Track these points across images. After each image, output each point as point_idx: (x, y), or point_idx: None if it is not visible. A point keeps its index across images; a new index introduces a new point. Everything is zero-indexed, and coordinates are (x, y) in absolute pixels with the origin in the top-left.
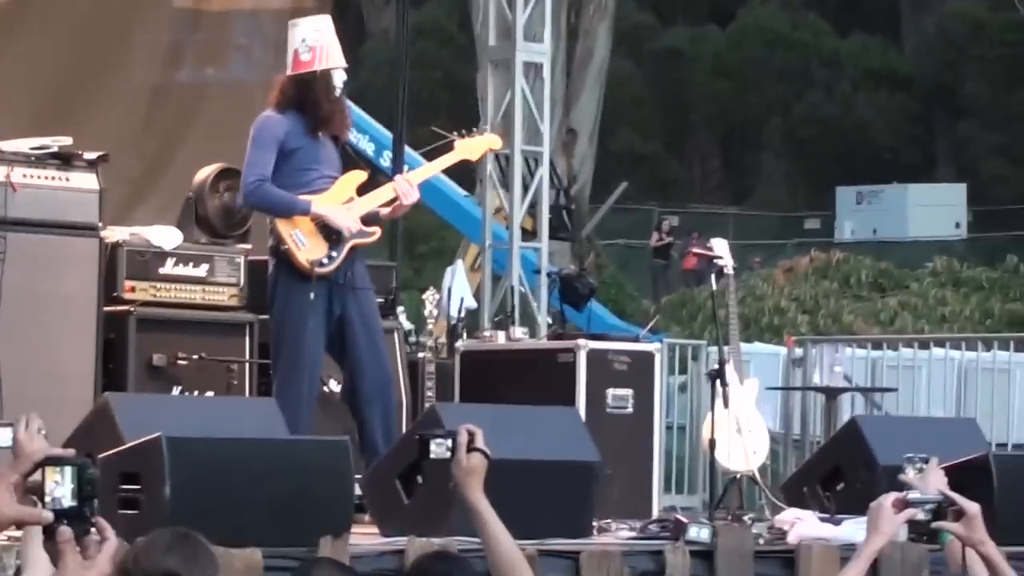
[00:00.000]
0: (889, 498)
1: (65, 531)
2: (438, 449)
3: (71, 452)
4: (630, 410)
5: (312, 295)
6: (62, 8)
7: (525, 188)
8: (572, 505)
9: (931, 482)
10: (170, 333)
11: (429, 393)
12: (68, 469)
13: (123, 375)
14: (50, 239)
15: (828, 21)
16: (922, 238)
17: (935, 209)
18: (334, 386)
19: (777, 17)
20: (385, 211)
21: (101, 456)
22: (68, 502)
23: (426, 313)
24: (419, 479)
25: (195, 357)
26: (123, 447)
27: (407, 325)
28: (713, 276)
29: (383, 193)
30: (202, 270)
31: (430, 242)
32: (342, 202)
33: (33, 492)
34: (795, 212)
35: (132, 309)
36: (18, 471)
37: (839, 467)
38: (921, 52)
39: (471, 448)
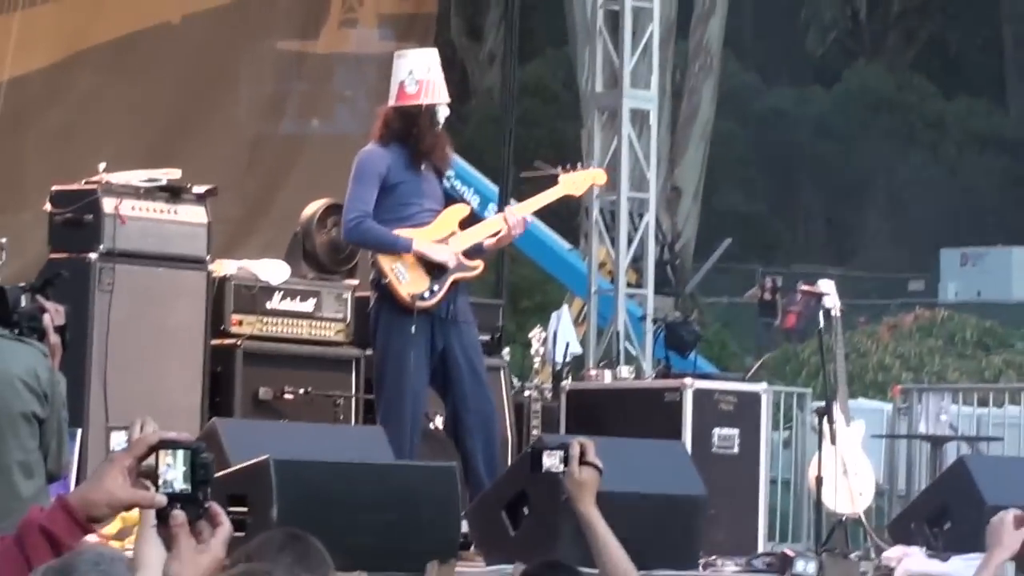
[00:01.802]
0: (1010, 513)
1: (179, 515)
2: (550, 461)
3: (185, 436)
4: (736, 450)
5: (414, 329)
6: (170, 46)
7: (630, 240)
8: (679, 538)
9: None
10: (277, 367)
11: (535, 432)
12: (181, 453)
13: (230, 408)
14: (158, 271)
15: (933, 83)
16: None
17: None
18: (438, 422)
19: (882, 78)
20: (490, 242)
21: None
22: (181, 485)
23: (532, 352)
24: (525, 510)
25: (301, 391)
26: (232, 469)
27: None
28: (821, 315)
29: (487, 227)
30: (309, 305)
31: (534, 297)
32: (444, 236)
33: (147, 476)
34: (899, 273)
35: (239, 343)
36: (132, 454)
37: (946, 506)
38: None
39: (583, 461)
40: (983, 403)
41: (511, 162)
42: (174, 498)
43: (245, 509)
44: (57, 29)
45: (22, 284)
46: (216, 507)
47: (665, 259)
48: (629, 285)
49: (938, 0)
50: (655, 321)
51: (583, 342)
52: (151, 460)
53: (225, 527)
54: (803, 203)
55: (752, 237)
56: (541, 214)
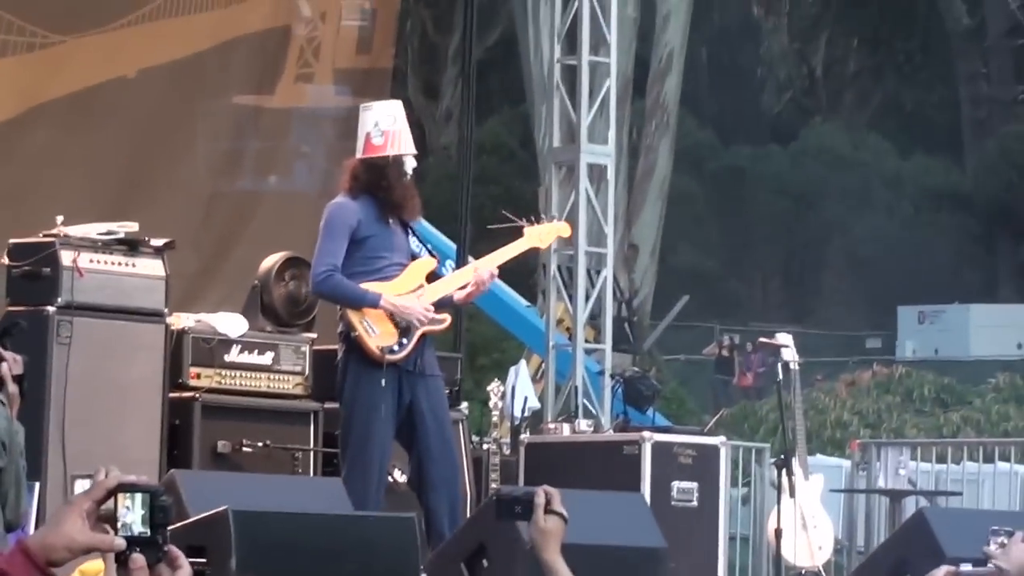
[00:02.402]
0: (942, 571)
1: (138, 558)
2: (516, 509)
3: (144, 479)
4: (695, 504)
5: (383, 382)
6: (126, 100)
7: (587, 296)
8: None
9: (1013, 555)
10: (235, 420)
11: (493, 485)
12: (140, 496)
13: (188, 461)
14: (116, 324)
15: (890, 141)
16: (984, 357)
17: (997, 329)
18: (399, 476)
19: (838, 137)
20: (460, 295)
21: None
22: (139, 529)
23: (491, 405)
24: (484, 562)
25: (260, 444)
26: (190, 520)
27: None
28: (779, 367)
29: (455, 279)
30: (267, 358)
31: (491, 354)
32: (412, 289)
33: (106, 520)
34: (856, 331)
35: (197, 396)
36: (91, 498)
37: (905, 559)
38: (982, 173)
39: (548, 510)
40: (941, 459)
41: (468, 218)
42: (133, 541)
43: (204, 560)
44: (13, 84)
45: None
46: (175, 550)
47: (623, 316)
48: (587, 341)
49: (894, 60)
50: (613, 376)
51: (541, 397)
52: (110, 504)
53: (185, 570)
54: (760, 261)
55: (709, 295)
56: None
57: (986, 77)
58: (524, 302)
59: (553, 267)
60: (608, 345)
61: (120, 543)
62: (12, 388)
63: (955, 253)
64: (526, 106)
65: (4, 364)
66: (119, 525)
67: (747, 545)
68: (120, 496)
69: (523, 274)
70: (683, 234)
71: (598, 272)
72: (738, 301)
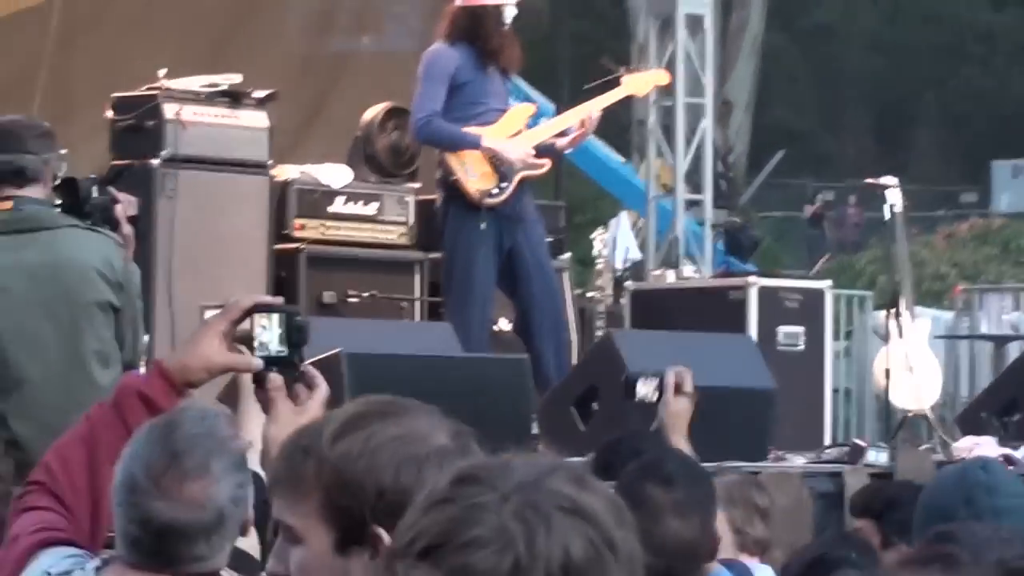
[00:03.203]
0: None
1: (275, 378)
2: (644, 390)
3: (280, 299)
4: (802, 347)
5: (483, 226)
6: None
7: (687, 146)
8: (749, 431)
9: None
10: (340, 271)
11: (599, 333)
12: (276, 316)
13: None
14: (220, 177)
15: None
16: None
17: None
18: (504, 324)
19: None
20: (562, 142)
21: None
22: (276, 348)
23: (595, 253)
24: (594, 406)
25: (365, 295)
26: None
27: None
28: (885, 208)
29: (555, 125)
30: (371, 209)
31: (587, 212)
32: (511, 135)
33: (242, 341)
34: (951, 186)
35: (302, 247)
36: (227, 318)
37: (1016, 397)
38: None
39: (679, 392)
40: None
41: (567, 66)
42: (270, 361)
43: None
44: None
45: (93, 176)
46: (312, 370)
47: (719, 172)
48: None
49: None
50: (714, 227)
51: (642, 248)
52: (246, 324)
53: (322, 388)
54: (853, 118)
55: (803, 152)
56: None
57: None
58: (620, 158)
59: (652, 120)
60: (708, 195)
61: (257, 363)
62: (127, 229)
63: None
64: None
65: (119, 206)
66: (256, 345)
67: (849, 398)
68: (256, 316)
69: (617, 131)
70: (776, 91)
71: (693, 130)
72: (831, 157)
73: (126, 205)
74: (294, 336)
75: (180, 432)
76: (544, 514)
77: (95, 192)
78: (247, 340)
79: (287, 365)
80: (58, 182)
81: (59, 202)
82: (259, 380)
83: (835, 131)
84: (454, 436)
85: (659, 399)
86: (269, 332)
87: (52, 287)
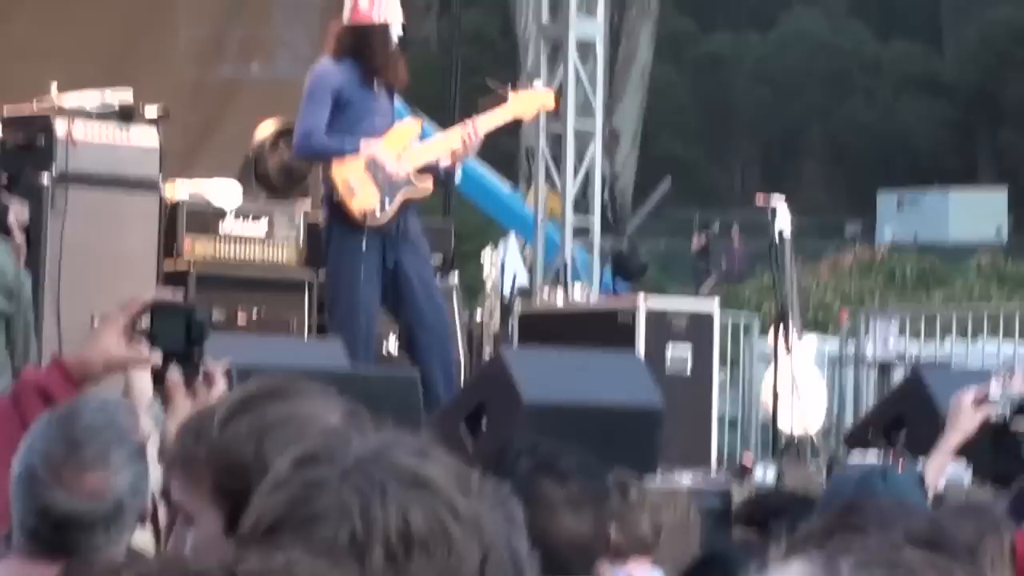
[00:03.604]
0: (969, 394)
1: (174, 373)
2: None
3: (179, 297)
4: (688, 372)
5: (364, 245)
6: None
7: (575, 172)
8: (637, 448)
9: (1016, 384)
10: (230, 291)
11: (487, 356)
12: (176, 312)
13: None
14: (111, 195)
15: (869, 27)
16: (963, 242)
17: (976, 214)
18: (391, 346)
19: (818, 23)
20: (445, 161)
21: None
22: (176, 344)
23: (484, 274)
24: (484, 423)
25: (254, 314)
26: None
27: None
28: (773, 226)
29: (440, 143)
30: (261, 227)
31: (476, 240)
32: (395, 152)
33: (143, 337)
34: (836, 216)
35: (191, 266)
36: (127, 313)
37: (901, 417)
38: (962, 58)
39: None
40: (929, 335)
41: (457, 94)
42: (169, 356)
43: None
44: None
45: None
46: (212, 366)
47: (605, 201)
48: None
49: None
50: (602, 250)
51: (530, 273)
52: (145, 322)
53: (220, 386)
54: (740, 148)
55: (690, 182)
56: (482, 155)
57: None
58: (508, 187)
59: (542, 144)
60: (596, 221)
61: (156, 358)
62: (19, 237)
63: (934, 139)
64: None
65: (11, 213)
66: (154, 341)
67: (735, 426)
68: (156, 312)
69: (506, 160)
70: (663, 123)
71: (581, 157)
72: (718, 188)
73: (18, 212)
74: (193, 332)
75: (79, 422)
76: (381, 486)
77: None
78: (147, 336)
79: (186, 361)
80: None
81: None
82: (158, 376)
83: (721, 162)
84: (346, 416)
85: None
86: (169, 328)
87: None
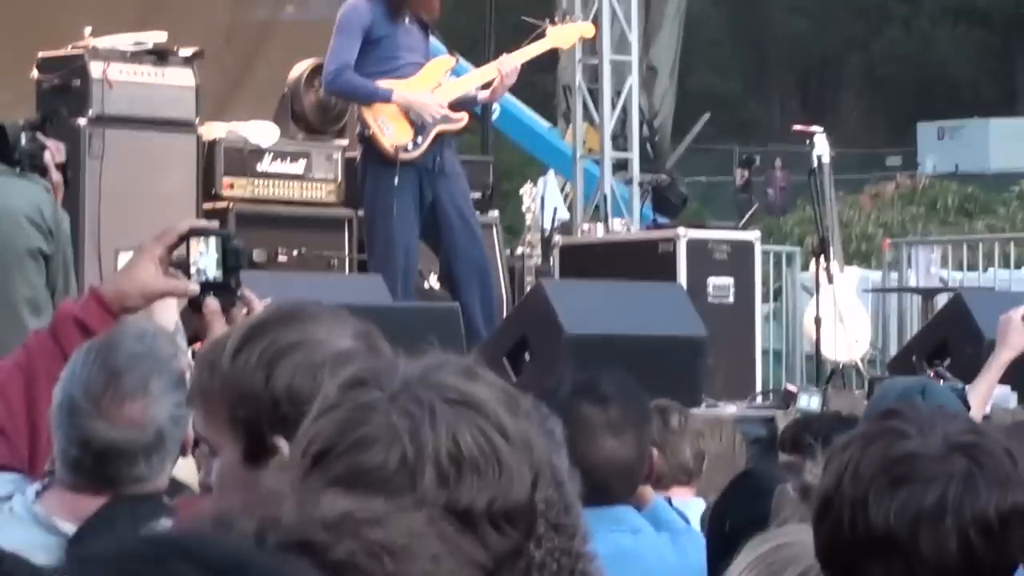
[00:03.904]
0: (1019, 311)
1: (212, 302)
2: None
3: (215, 224)
4: (731, 300)
5: (397, 180)
6: None
7: (613, 106)
8: (681, 379)
9: None
10: (269, 229)
11: (529, 288)
12: (212, 240)
13: None
14: (148, 136)
15: None
16: (1005, 170)
17: (1017, 142)
18: (432, 280)
19: None
20: (483, 94)
21: None
22: (213, 273)
23: (523, 208)
24: (526, 356)
25: (295, 252)
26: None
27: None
28: (813, 157)
29: (475, 77)
30: (299, 166)
31: (514, 179)
32: (429, 88)
33: (178, 266)
34: (876, 149)
35: (231, 206)
36: (163, 243)
37: (945, 343)
38: None
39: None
40: (972, 266)
41: (492, 32)
42: (207, 286)
43: None
44: None
45: (21, 121)
46: (249, 293)
47: (644, 136)
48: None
49: None
50: (641, 184)
51: (570, 209)
52: (182, 250)
53: (259, 312)
54: (778, 82)
55: (728, 117)
56: (519, 94)
57: None
58: (546, 124)
59: (578, 78)
60: (635, 155)
61: (194, 287)
62: (56, 176)
63: (973, 67)
64: None
65: (47, 152)
66: (193, 271)
67: (780, 358)
68: (192, 241)
69: (543, 98)
70: (700, 58)
71: (619, 92)
72: (757, 122)
73: (55, 151)
74: (230, 260)
75: (119, 352)
76: (429, 407)
77: (24, 139)
78: (184, 265)
79: (224, 289)
80: None
81: None
82: (196, 305)
83: (760, 96)
84: (358, 337)
85: None
86: (206, 257)
87: None
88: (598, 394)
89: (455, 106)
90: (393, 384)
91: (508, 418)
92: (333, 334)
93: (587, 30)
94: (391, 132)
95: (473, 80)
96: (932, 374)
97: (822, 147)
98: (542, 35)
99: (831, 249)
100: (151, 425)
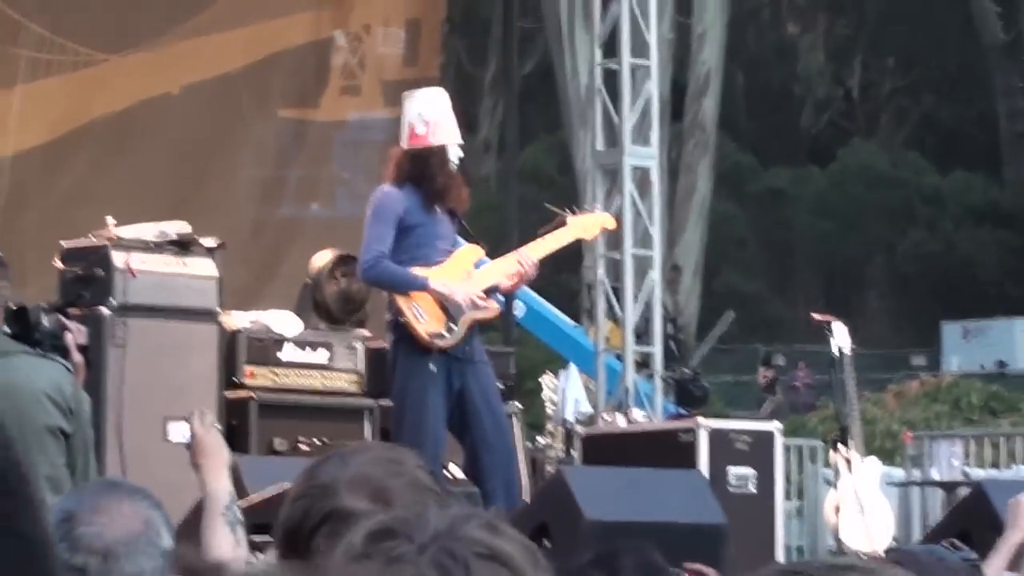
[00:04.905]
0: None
1: None
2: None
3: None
4: (752, 490)
5: (433, 368)
6: (172, 117)
7: (634, 299)
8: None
9: None
10: (291, 419)
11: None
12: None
13: None
14: (170, 325)
15: (928, 159)
16: None
17: None
18: (455, 470)
19: (877, 156)
20: (506, 284)
21: None
22: None
23: (544, 397)
24: (545, 543)
25: (316, 442)
26: (251, 497)
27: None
28: (833, 348)
29: (501, 266)
30: (321, 356)
31: (537, 377)
32: (458, 276)
33: None
34: (901, 348)
35: (253, 395)
36: None
37: (967, 533)
38: (1022, 187)
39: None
40: (994, 463)
41: (516, 230)
42: None
43: (269, 537)
44: (57, 104)
45: (43, 304)
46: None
47: (669, 334)
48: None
49: (930, 77)
50: (664, 379)
51: (592, 402)
52: None
53: None
54: (803, 282)
55: (753, 316)
56: (544, 293)
57: (1023, 91)
58: (570, 322)
59: (600, 272)
60: (658, 348)
61: None
62: (78, 357)
63: (997, 268)
64: (563, 132)
65: (68, 334)
66: None
67: (802, 554)
68: None
69: (568, 297)
70: (725, 257)
71: (639, 286)
72: (781, 322)
73: (76, 333)
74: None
75: None
76: (462, 561)
77: (45, 320)
78: None
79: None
80: (10, 310)
81: (8, 330)
82: None
83: (785, 296)
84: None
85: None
86: None
87: (5, 412)
88: (613, 566)
89: (485, 294)
90: (423, 536)
91: (533, 572)
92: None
93: (608, 221)
94: (425, 320)
95: (499, 270)
96: (948, 544)
97: (841, 337)
98: (562, 224)
99: (851, 440)
100: None
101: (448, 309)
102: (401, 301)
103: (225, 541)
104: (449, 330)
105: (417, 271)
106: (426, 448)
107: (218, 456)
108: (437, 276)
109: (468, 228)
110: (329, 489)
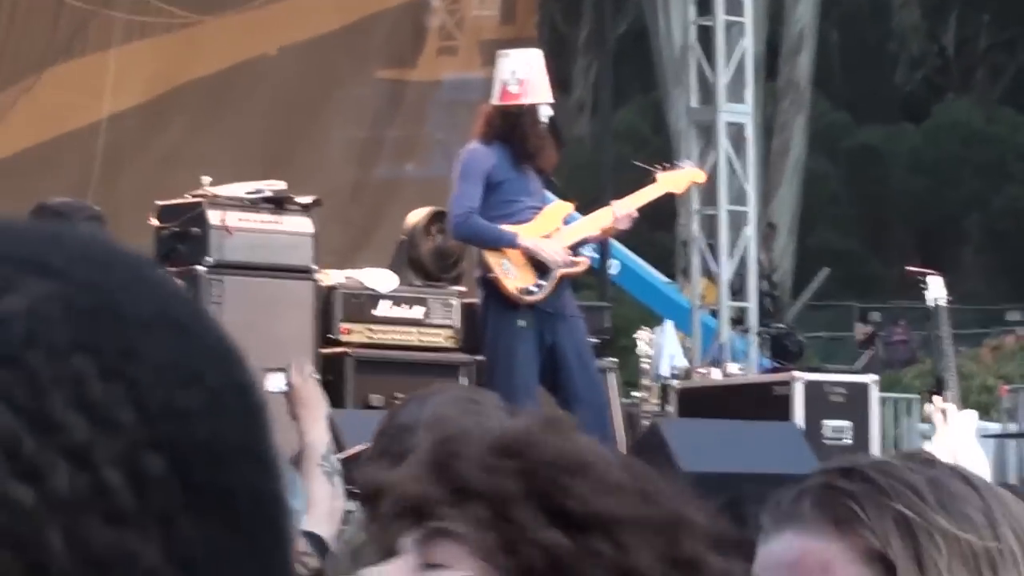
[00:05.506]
0: None
1: None
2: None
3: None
4: (849, 442)
5: (522, 323)
6: (269, 78)
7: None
8: None
9: None
10: (386, 375)
11: None
12: None
13: None
14: (266, 282)
15: (1023, 114)
16: None
17: None
18: None
19: (971, 112)
20: (594, 234)
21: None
22: None
23: (639, 352)
24: None
25: None
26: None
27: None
28: (928, 300)
29: (592, 222)
30: (417, 312)
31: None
32: (548, 232)
33: None
34: (996, 304)
35: (349, 351)
36: None
37: None
38: None
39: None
40: None
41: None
42: None
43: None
44: (154, 66)
45: None
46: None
47: (763, 290)
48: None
49: None
50: (759, 333)
51: (688, 356)
52: None
53: None
54: (897, 239)
55: (847, 273)
56: (639, 251)
57: None
58: (665, 279)
59: (694, 228)
60: (753, 303)
61: None
62: None
63: None
64: (657, 93)
65: None
66: None
67: None
68: None
69: (663, 255)
70: (819, 215)
71: (735, 242)
72: (877, 279)
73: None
74: None
75: None
76: None
77: None
78: None
79: None
80: None
81: None
82: None
83: (880, 252)
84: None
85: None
86: None
87: None
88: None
89: (574, 250)
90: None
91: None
92: None
93: (698, 175)
94: (514, 275)
95: (590, 225)
96: None
97: (937, 290)
98: (653, 180)
99: (947, 392)
100: None
101: (537, 265)
102: (490, 257)
103: (323, 490)
104: (538, 286)
105: (506, 227)
106: (517, 401)
107: (316, 406)
108: (526, 232)
109: (556, 185)
110: (407, 429)
